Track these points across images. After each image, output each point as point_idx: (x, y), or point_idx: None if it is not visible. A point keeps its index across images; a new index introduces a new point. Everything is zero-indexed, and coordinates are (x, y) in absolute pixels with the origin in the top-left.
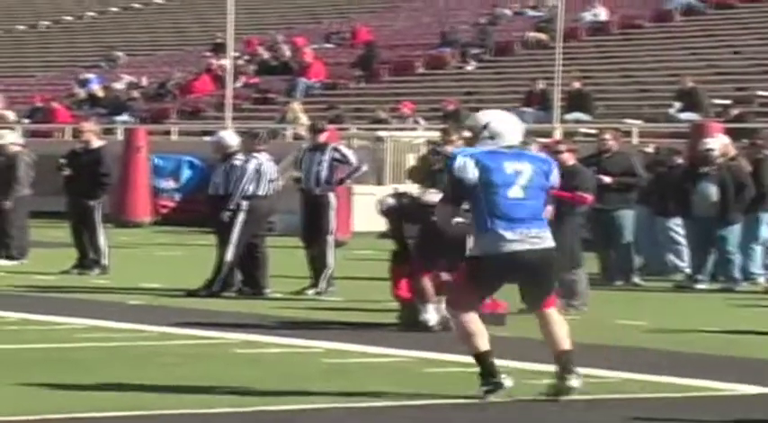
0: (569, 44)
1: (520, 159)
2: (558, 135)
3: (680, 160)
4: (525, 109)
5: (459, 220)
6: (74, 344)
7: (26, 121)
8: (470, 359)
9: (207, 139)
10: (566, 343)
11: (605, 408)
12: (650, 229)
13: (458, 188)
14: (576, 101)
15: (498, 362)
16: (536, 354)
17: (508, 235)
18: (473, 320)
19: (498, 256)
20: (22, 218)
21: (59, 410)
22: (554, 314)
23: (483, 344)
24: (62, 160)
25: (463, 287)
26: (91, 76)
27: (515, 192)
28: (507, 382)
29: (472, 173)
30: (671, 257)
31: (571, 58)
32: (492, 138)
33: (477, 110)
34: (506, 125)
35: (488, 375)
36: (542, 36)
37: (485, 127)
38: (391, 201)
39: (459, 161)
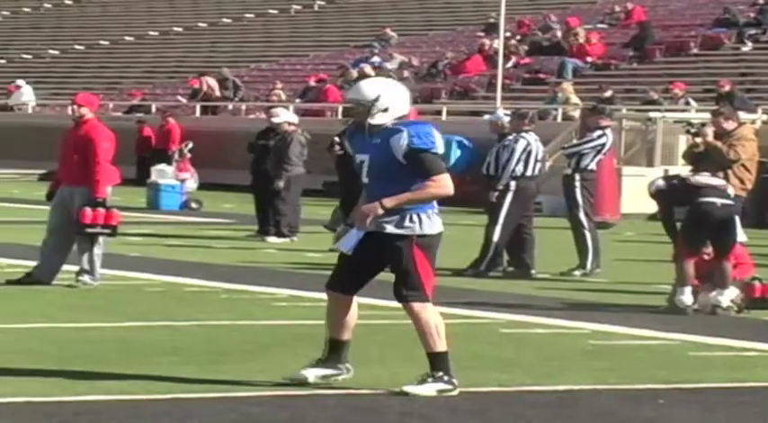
0: None
1: None
2: None
3: None
4: None
5: None
6: None
7: (298, 100)
8: (735, 343)
9: (487, 117)
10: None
11: None
12: None
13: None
14: None
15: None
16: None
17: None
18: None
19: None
20: (295, 196)
21: (325, 386)
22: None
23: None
24: (336, 139)
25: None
26: (364, 55)
27: None
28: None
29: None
30: None
31: None
32: (386, 110)
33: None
34: (397, 94)
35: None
36: None
37: (376, 100)
38: (661, 183)
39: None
